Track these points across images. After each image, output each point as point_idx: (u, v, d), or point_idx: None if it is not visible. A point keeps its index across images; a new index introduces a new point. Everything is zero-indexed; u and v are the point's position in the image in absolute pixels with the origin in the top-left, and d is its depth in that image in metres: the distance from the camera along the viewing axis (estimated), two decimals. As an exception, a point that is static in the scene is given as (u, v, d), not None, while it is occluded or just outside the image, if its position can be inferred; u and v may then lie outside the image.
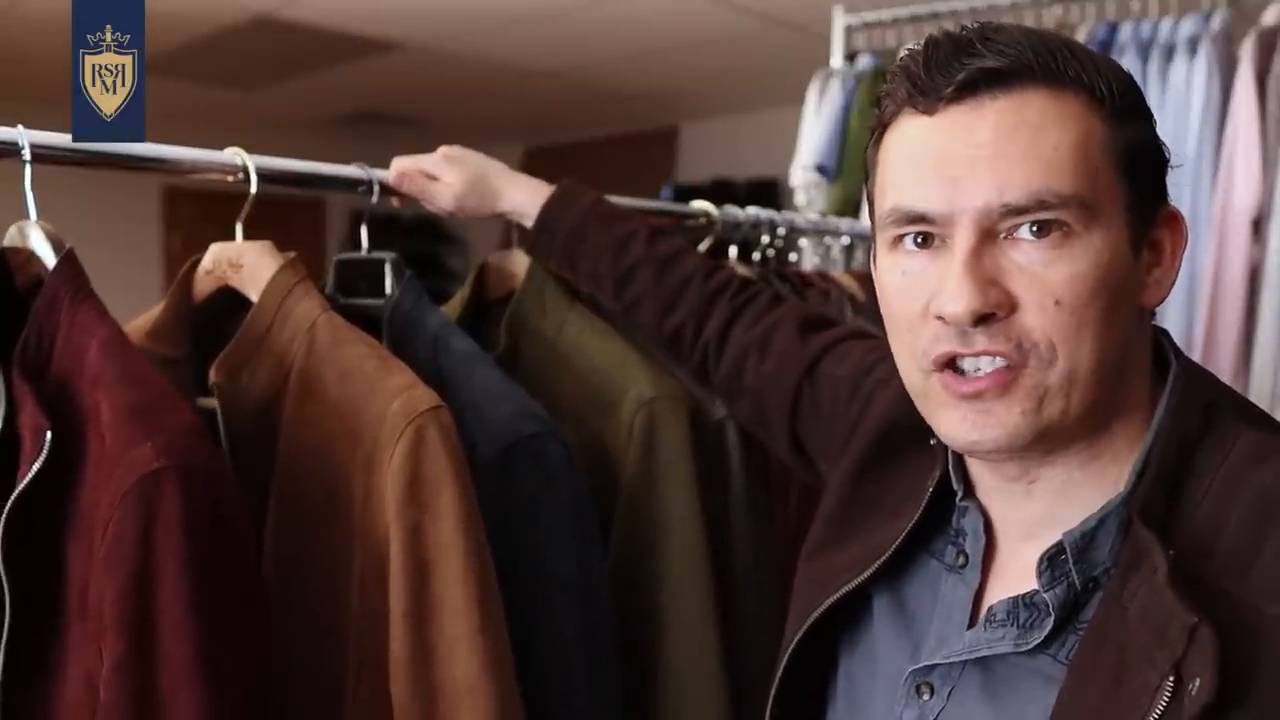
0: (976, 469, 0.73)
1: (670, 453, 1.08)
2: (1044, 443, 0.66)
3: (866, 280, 1.71)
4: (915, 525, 0.76)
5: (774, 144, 4.45)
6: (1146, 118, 0.67)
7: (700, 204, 1.47)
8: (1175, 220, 0.68)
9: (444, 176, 1.15)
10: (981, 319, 0.63)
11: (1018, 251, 0.63)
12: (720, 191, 5.28)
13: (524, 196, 1.17)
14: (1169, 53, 2.24)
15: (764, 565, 1.21)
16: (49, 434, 0.77)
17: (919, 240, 0.67)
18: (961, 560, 0.73)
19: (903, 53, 0.69)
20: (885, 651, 0.77)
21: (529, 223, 1.17)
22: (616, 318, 1.22)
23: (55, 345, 0.85)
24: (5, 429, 0.83)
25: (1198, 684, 0.54)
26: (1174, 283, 0.68)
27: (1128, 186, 0.64)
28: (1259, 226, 2.09)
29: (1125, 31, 2.33)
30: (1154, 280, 0.68)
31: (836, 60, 2.80)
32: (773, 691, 0.81)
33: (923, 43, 0.67)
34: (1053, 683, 0.65)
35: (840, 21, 2.81)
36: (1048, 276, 0.62)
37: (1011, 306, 0.63)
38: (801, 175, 2.73)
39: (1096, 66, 0.65)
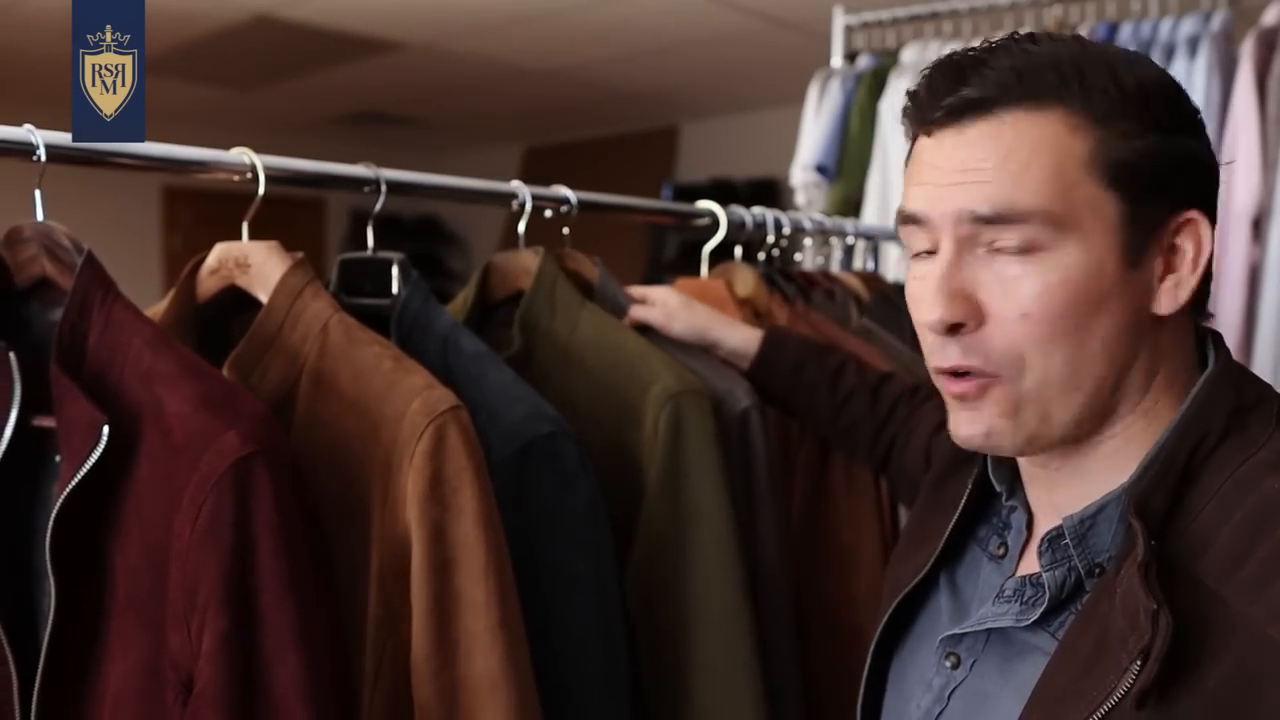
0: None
1: (697, 446, 1.08)
2: (1038, 445, 0.70)
3: (871, 281, 1.71)
4: (958, 521, 0.81)
5: (774, 144, 4.46)
6: (1159, 127, 0.67)
7: (706, 204, 1.48)
8: (1196, 225, 0.69)
9: (670, 328, 1.27)
10: (952, 329, 0.68)
11: (996, 264, 0.68)
12: (720, 191, 5.29)
13: (738, 342, 1.28)
14: (1169, 53, 2.24)
15: (787, 555, 1.22)
16: (106, 428, 0.79)
17: (927, 252, 0.72)
18: (1002, 550, 0.78)
19: (920, 75, 0.74)
20: (936, 629, 0.81)
21: (745, 363, 1.28)
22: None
23: (89, 343, 0.86)
24: (18, 426, 0.83)
25: (1148, 667, 0.58)
26: (1195, 288, 0.69)
27: (1120, 198, 0.66)
28: (1259, 226, 2.09)
29: (1125, 32, 2.33)
30: (1167, 287, 0.68)
31: (836, 60, 2.81)
32: (861, 694, 0.87)
33: (930, 66, 0.72)
34: (1049, 657, 0.68)
35: (840, 21, 2.81)
36: (1016, 289, 0.67)
37: (981, 318, 0.68)
38: (801, 175, 2.73)
39: (1084, 84, 0.66)
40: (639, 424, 1.09)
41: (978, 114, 0.68)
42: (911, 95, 0.73)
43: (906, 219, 0.72)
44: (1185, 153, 0.68)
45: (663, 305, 1.28)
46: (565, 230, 1.29)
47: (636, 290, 1.31)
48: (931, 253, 0.71)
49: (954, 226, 0.68)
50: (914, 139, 0.75)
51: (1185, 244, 0.69)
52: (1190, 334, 0.72)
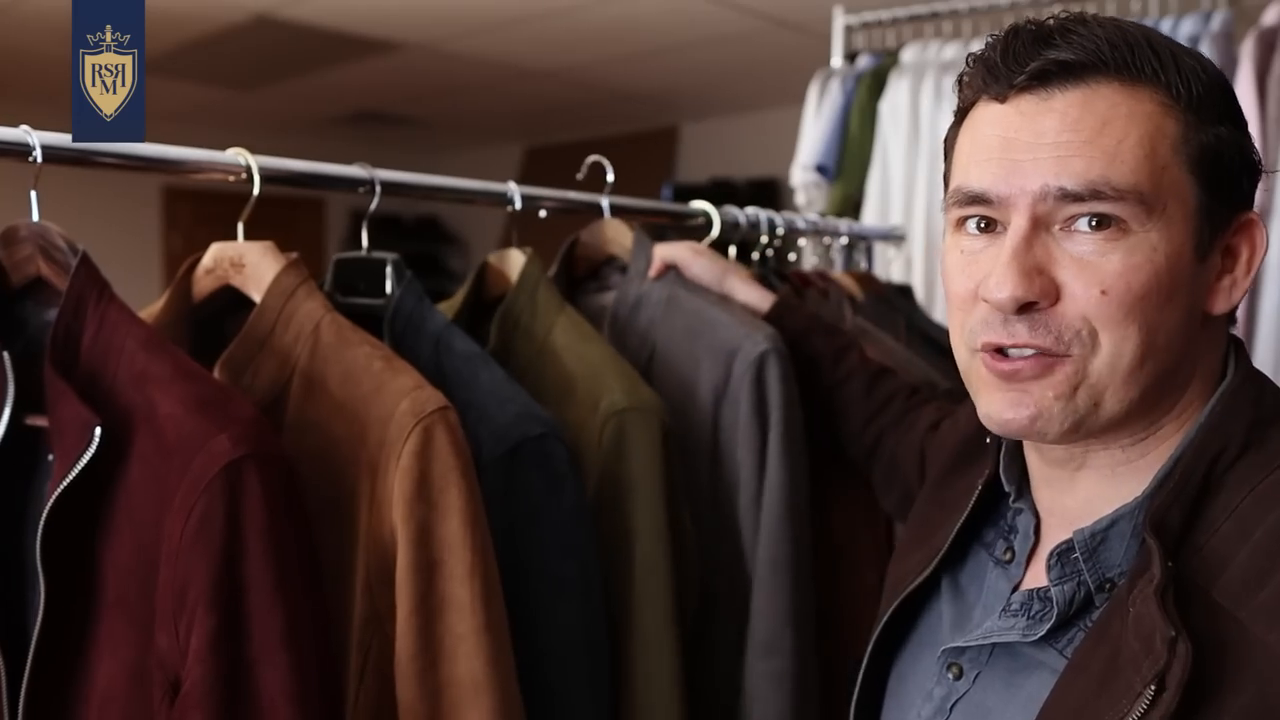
0: (1031, 455, 0.75)
1: (637, 464, 1.07)
2: (1080, 433, 0.66)
3: (865, 281, 1.71)
4: (965, 520, 0.78)
5: (774, 144, 4.46)
6: (1232, 121, 0.66)
7: (700, 204, 1.48)
8: (1253, 227, 0.67)
9: (692, 266, 1.31)
10: (1024, 307, 0.64)
11: (1072, 242, 0.64)
12: (720, 191, 5.28)
13: (751, 297, 1.32)
14: (1168, 53, 2.23)
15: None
16: (98, 429, 0.79)
17: (981, 225, 0.68)
18: (1009, 555, 0.75)
19: (988, 38, 0.69)
20: (937, 635, 0.79)
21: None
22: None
23: (82, 344, 0.86)
24: (11, 425, 0.83)
25: (1165, 695, 0.56)
26: (1246, 291, 0.67)
27: (1199, 188, 0.64)
28: (1258, 226, 2.09)
29: (1124, 32, 2.32)
30: (1224, 287, 0.67)
31: (836, 60, 2.81)
32: (855, 695, 0.85)
33: (1004, 30, 0.68)
34: (1056, 675, 0.66)
35: (840, 21, 2.81)
36: (1099, 265, 0.63)
37: (1055, 296, 0.64)
38: (801, 175, 2.73)
39: (1179, 65, 0.64)
40: (589, 435, 1.08)
41: (1067, 80, 0.63)
42: (981, 58, 0.68)
43: (972, 199, 0.67)
44: (1248, 151, 0.67)
45: (687, 248, 1.32)
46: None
47: (662, 246, 1.36)
48: (986, 229, 0.67)
49: (1033, 203, 0.63)
50: (968, 107, 0.69)
51: (1242, 244, 0.67)
52: (1225, 340, 0.70)
